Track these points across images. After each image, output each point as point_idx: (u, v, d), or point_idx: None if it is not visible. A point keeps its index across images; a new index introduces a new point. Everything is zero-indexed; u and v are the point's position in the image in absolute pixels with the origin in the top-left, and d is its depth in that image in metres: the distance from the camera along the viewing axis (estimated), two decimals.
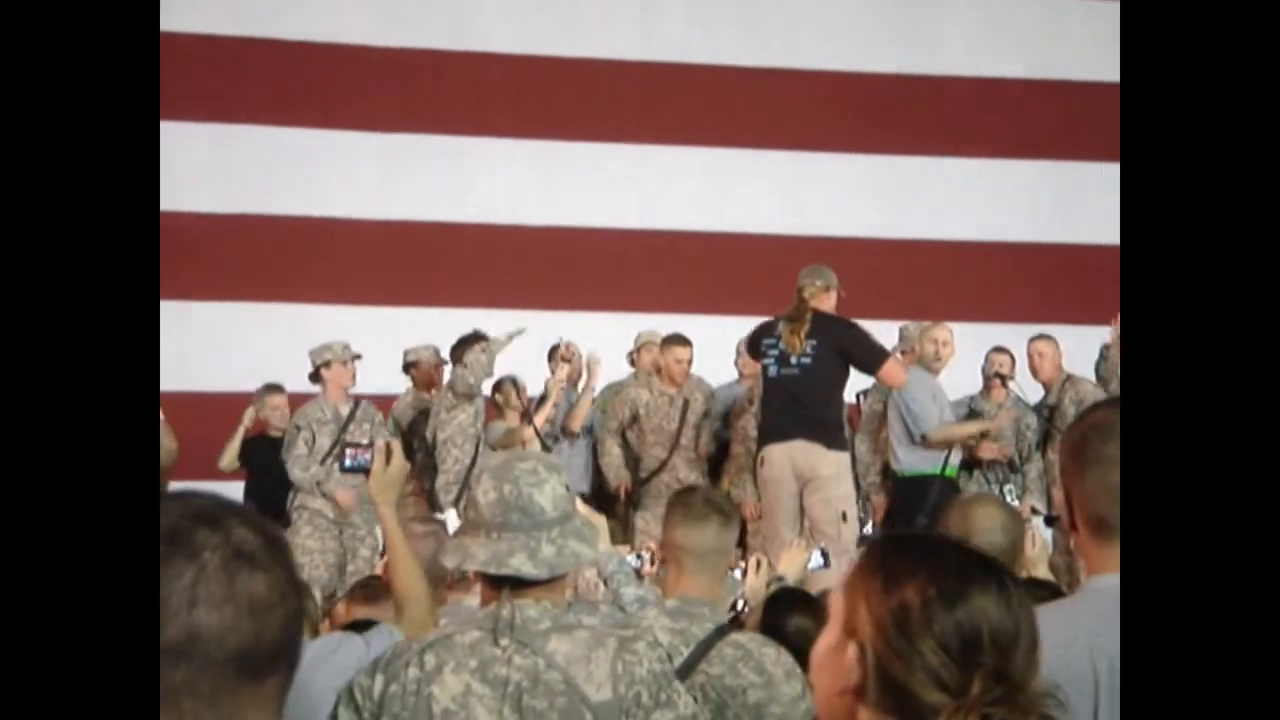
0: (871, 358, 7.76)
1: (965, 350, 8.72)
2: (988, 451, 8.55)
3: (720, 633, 3.63)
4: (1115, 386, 8.41)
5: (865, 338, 7.81)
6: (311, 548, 8.18)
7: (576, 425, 8.84)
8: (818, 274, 7.79)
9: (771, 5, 11.95)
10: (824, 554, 5.35)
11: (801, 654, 4.44)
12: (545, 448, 8.48)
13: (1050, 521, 8.76)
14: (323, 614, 5.58)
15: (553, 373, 9.06)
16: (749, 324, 8.42)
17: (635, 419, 8.83)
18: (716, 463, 9.04)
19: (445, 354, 8.92)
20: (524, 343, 9.09)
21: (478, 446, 8.42)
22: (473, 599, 3.91)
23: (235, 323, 10.48)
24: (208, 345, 9.97)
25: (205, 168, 10.58)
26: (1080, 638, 2.06)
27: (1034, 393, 9.09)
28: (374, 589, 4.77)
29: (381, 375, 9.16)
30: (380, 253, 11.03)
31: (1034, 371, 9.03)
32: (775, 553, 6.86)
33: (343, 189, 11.11)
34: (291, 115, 11.07)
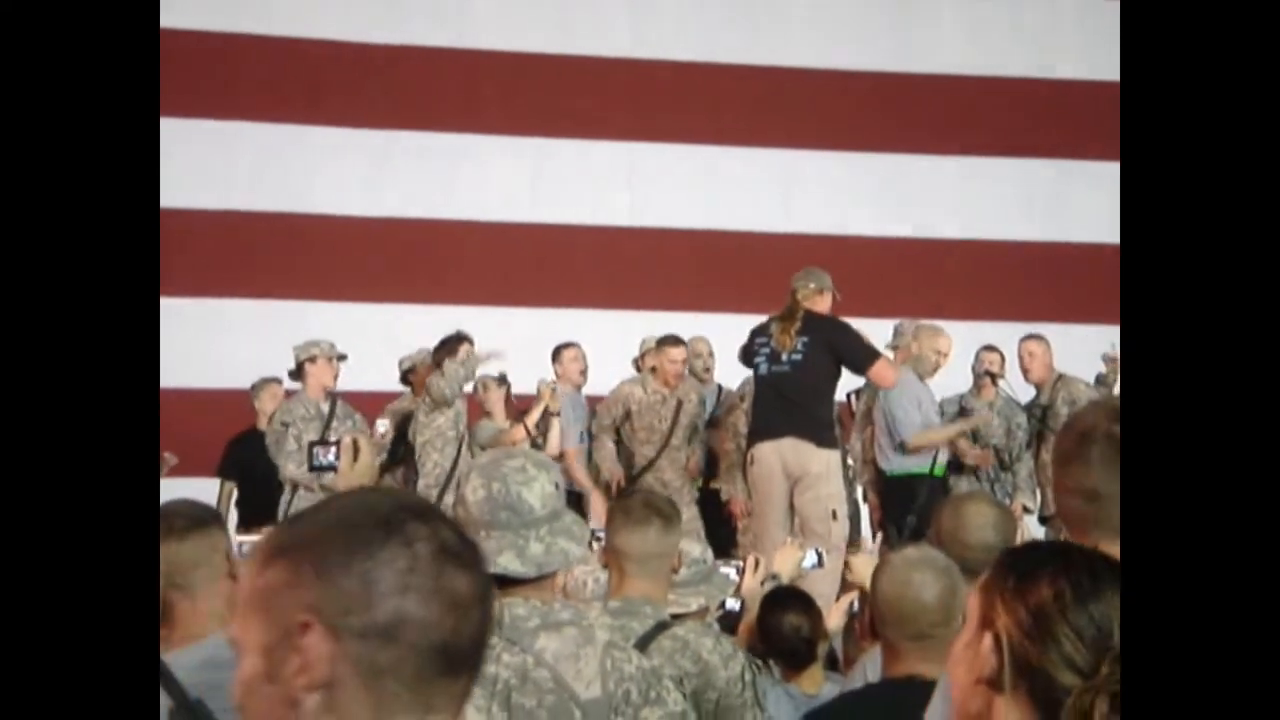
0: (861, 357, 7.77)
1: (957, 349, 8.73)
2: (970, 458, 8.54)
3: (660, 627, 3.66)
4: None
5: (856, 337, 7.82)
6: None
7: (554, 450, 8.79)
8: (811, 276, 7.81)
9: (763, 3, 11.96)
10: (818, 553, 5.35)
11: (796, 652, 4.48)
12: (536, 447, 8.47)
13: (1044, 521, 8.77)
14: None
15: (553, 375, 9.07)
16: (740, 321, 8.42)
17: (628, 416, 8.82)
18: (709, 460, 9.04)
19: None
20: (511, 342, 9.09)
21: (459, 450, 8.39)
22: None
23: (225, 319, 10.47)
24: (197, 341, 9.94)
25: (196, 164, 10.55)
26: None
27: (1025, 392, 9.09)
28: None
29: (372, 372, 9.15)
30: (371, 249, 11.01)
31: (1025, 371, 9.03)
32: (766, 551, 6.87)
33: (333, 185, 11.10)
34: (282, 111, 11.06)
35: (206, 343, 10.09)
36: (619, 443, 8.90)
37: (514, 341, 9.22)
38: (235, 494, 9.07)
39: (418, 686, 1.39)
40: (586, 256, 11.37)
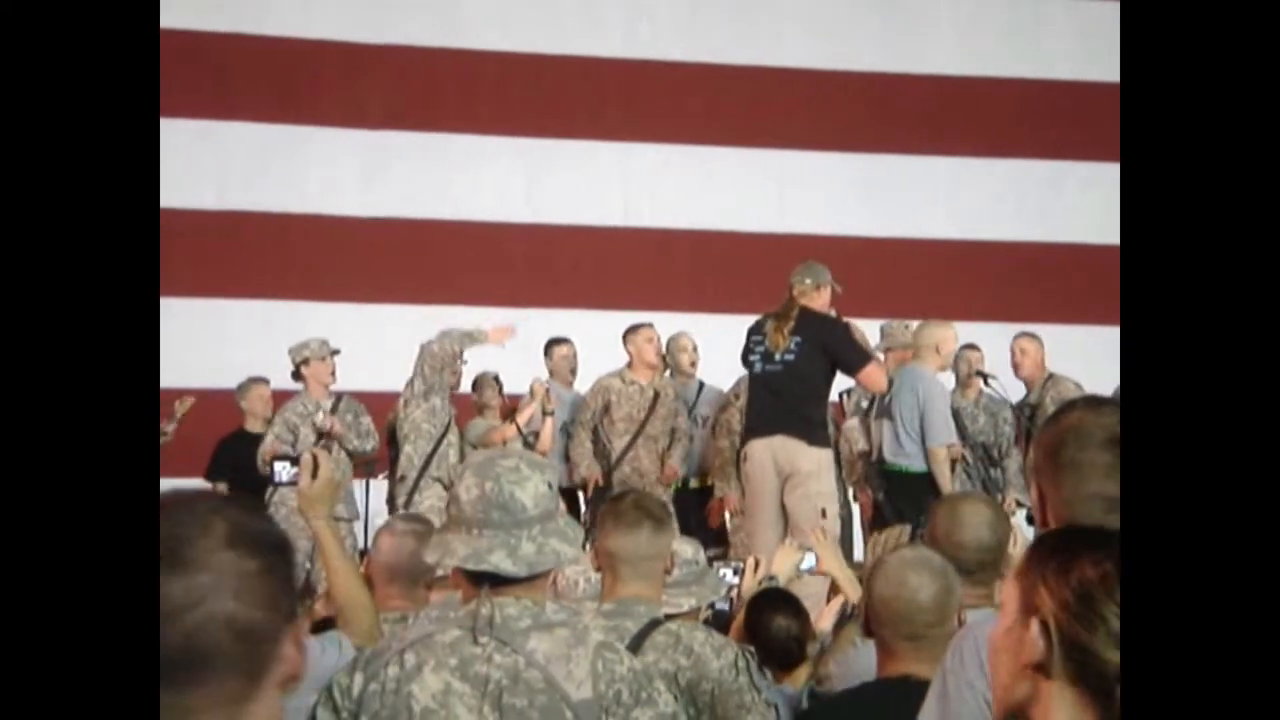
0: (853, 358, 7.73)
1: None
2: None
3: (654, 624, 3.66)
4: None
5: (850, 338, 7.80)
6: (306, 548, 8.15)
7: (545, 448, 8.79)
8: (809, 271, 7.77)
9: (757, 3, 11.97)
10: (816, 556, 5.34)
11: (786, 651, 4.48)
12: (528, 446, 8.47)
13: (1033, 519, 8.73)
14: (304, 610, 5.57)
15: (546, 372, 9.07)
16: (733, 322, 8.42)
17: (607, 409, 8.82)
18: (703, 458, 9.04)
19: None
20: (505, 342, 9.08)
21: (435, 446, 8.38)
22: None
23: (220, 319, 10.47)
24: (192, 341, 9.93)
25: (191, 164, 10.55)
26: None
27: (1015, 391, 9.08)
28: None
29: (366, 372, 9.14)
30: (366, 250, 11.02)
31: (1015, 368, 9.02)
32: (758, 549, 6.89)
33: (328, 186, 11.10)
34: (278, 112, 11.06)
35: (202, 342, 10.08)
36: (596, 440, 8.88)
37: (508, 341, 9.22)
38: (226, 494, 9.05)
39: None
40: (581, 256, 11.38)
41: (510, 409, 8.92)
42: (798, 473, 7.53)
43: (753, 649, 3.97)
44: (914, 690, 2.83)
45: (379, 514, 8.61)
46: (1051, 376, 8.95)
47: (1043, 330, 9.33)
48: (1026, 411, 8.87)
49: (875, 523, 8.28)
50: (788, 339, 7.58)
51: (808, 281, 7.71)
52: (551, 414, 8.69)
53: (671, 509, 8.27)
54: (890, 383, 8.15)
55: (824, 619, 5.02)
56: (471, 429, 8.75)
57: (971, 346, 9.05)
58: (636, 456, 8.72)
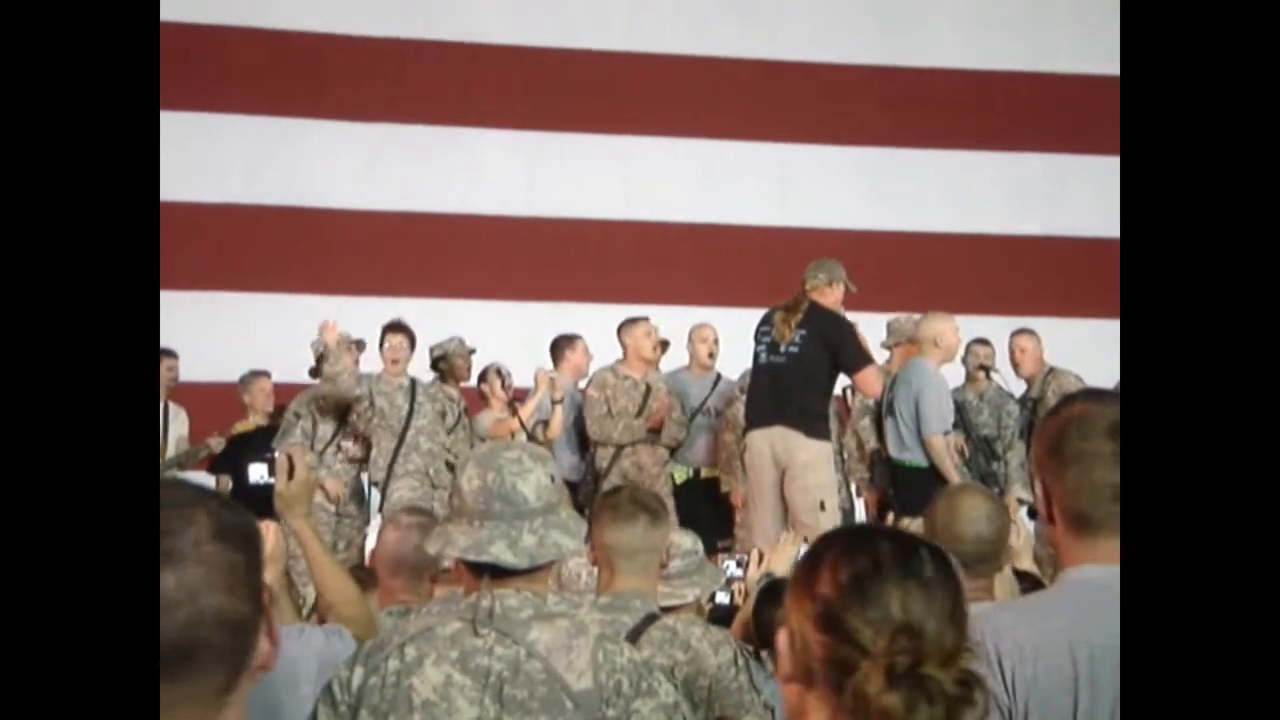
0: (852, 359, 7.73)
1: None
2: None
3: (650, 619, 3.67)
4: None
5: (852, 337, 7.80)
6: None
7: (555, 435, 8.79)
8: (822, 268, 7.78)
9: None
10: None
11: None
12: (531, 438, 8.46)
13: (1035, 513, 8.72)
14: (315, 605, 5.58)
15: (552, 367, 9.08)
16: (735, 315, 8.42)
17: (605, 404, 8.81)
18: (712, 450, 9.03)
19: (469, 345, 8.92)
20: (506, 334, 9.09)
21: (402, 436, 8.40)
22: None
23: (220, 312, 10.46)
24: (193, 334, 9.93)
25: (191, 157, 10.54)
26: (1058, 629, 2.07)
27: (1015, 388, 9.08)
28: (359, 578, 4.77)
29: (370, 365, 9.14)
30: (366, 243, 11.01)
31: (1015, 366, 9.02)
32: (758, 539, 6.91)
33: (329, 179, 11.09)
34: (278, 105, 11.05)
35: (203, 336, 10.08)
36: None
37: (509, 334, 9.24)
38: (230, 488, 9.06)
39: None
40: (582, 250, 11.37)
41: (512, 401, 8.92)
42: (794, 464, 7.53)
43: (751, 647, 3.97)
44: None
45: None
46: (1052, 370, 8.95)
47: (1045, 323, 9.32)
48: (1029, 406, 8.87)
49: (880, 520, 8.26)
50: (794, 331, 7.59)
51: (820, 276, 7.73)
52: (560, 402, 8.68)
53: (670, 503, 8.34)
54: (895, 380, 8.18)
55: None
56: (479, 421, 8.74)
57: (981, 341, 9.04)
58: (635, 451, 8.70)
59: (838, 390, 8.84)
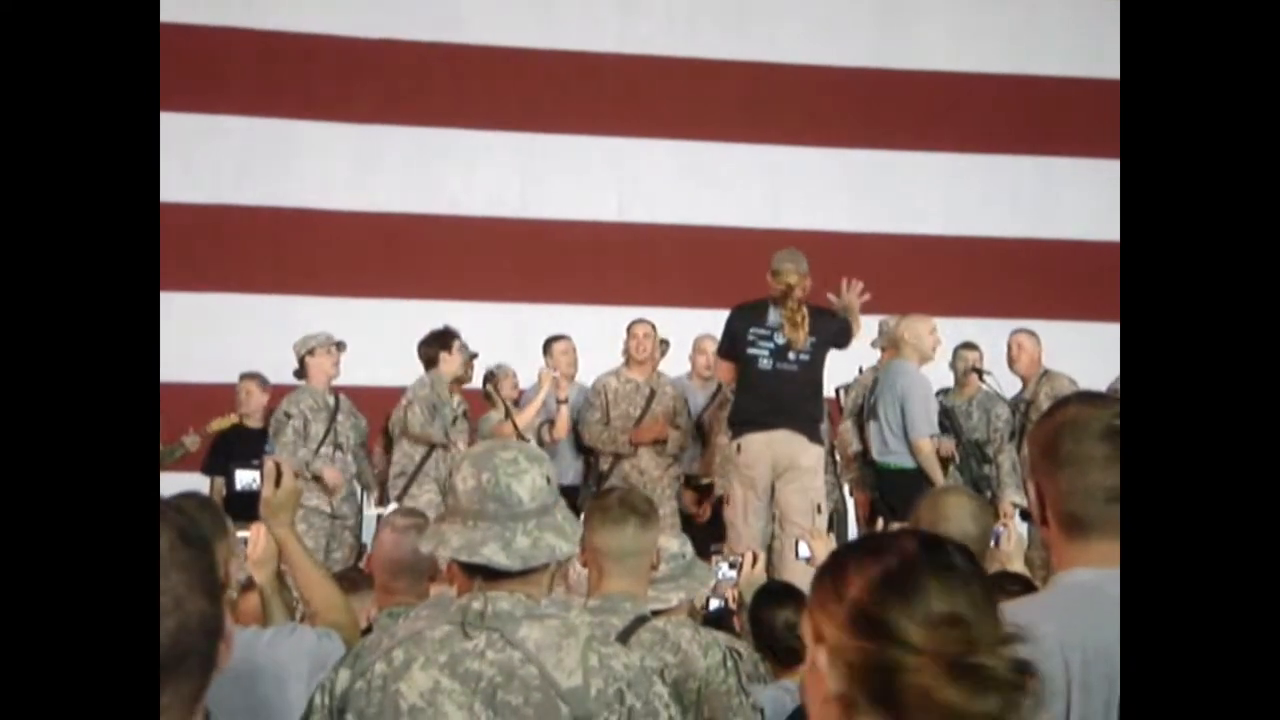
0: (847, 343, 7.88)
1: (946, 346, 8.71)
2: (941, 450, 8.41)
3: (639, 620, 3.67)
4: None
5: (848, 329, 7.88)
6: (310, 547, 8.12)
7: (562, 435, 8.79)
8: (797, 259, 7.73)
9: (752, 0, 11.96)
10: (811, 548, 5.27)
11: (790, 648, 4.47)
12: (540, 441, 8.48)
13: (1028, 516, 8.74)
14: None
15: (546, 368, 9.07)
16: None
17: (605, 409, 8.81)
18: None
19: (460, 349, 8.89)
20: (500, 336, 9.08)
21: (431, 447, 8.40)
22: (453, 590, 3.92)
23: (213, 313, 10.45)
24: (185, 336, 9.91)
25: (183, 158, 10.52)
26: (1051, 632, 2.06)
27: (1011, 386, 9.08)
28: (353, 579, 4.77)
29: (360, 367, 9.13)
30: (359, 245, 11.00)
31: (1011, 363, 9.02)
32: (749, 541, 6.94)
33: (321, 180, 11.08)
34: (271, 106, 11.03)
35: (195, 337, 10.06)
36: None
37: (501, 337, 9.23)
38: (225, 490, 9.04)
39: None
40: (574, 252, 11.37)
41: (508, 405, 8.92)
42: (796, 467, 7.53)
43: (740, 649, 3.97)
44: None
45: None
46: (1046, 372, 8.96)
47: (1038, 326, 9.33)
48: (1021, 407, 8.87)
49: (870, 521, 8.27)
50: (806, 338, 7.59)
51: (804, 269, 7.68)
52: (565, 401, 8.67)
53: (672, 506, 8.35)
54: (876, 381, 8.21)
55: None
56: (484, 423, 8.73)
57: (969, 345, 9.05)
58: (638, 455, 8.71)
59: (829, 392, 8.86)
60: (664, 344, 9.27)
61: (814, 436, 7.63)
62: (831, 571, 1.69)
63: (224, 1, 11.11)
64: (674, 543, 4.20)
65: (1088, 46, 11.30)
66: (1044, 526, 2.26)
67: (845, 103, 11.84)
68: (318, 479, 8.25)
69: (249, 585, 4.17)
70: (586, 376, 9.29)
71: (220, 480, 8.69)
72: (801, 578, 5.40)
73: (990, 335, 9.24)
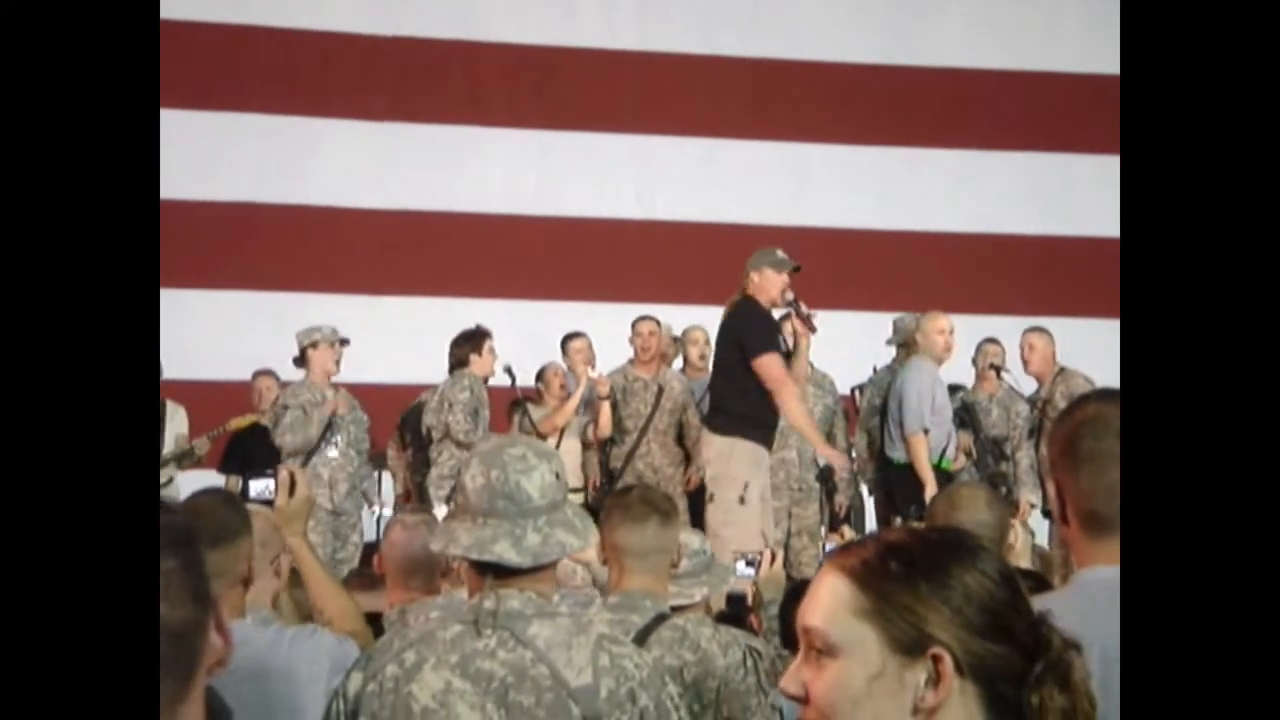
0: (750, 346, 7.59)
1: (960, 343, 8.68)
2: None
3: (660, 619, 3.66)
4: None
5: (755, 324, 7.68)
6: (314, 542, 8.12)
7: (605, 433, 8.79)
8: (750, 260, 7.66)
9: None
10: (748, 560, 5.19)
11: None
12: (542, 436, 8.48)
13: (1048, 514, 8.73)
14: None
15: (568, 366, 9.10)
16: None
17: (614, 407, 8.82)
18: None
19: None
20: (519, 333, 9.09)
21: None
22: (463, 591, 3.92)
23: (229, 311, 10.48)
24: (201, 333, 9.95)
25: (199, 156, 10.56)
26: (1069, 629, 2.05)
27: (1026, 386, 9.06)
28: (370, 577, 4.77)
29: (376, 364, 9.15)
30: (376, 242, 11.03)
31: (1025, 363, 9.00)
32: (753, 538, 6.93)
33: (338, 178, 11.11)
34: (287, 104, 11.06)
35: (213, 335, 10.10)
36: (609, 438, 8.87)
37: (520, 334, 9.24)
38: (239, 496, 9.05)
39: None
40: (592, 249, 11.38)
41: (519, 400, 8.93)
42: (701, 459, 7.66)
43: (759, 648, 3.96)
44: None
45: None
46: (1062, 371, 8.92)
47: (1054, 324, 9.30)
48: (1038, 406, 8.85)
49: (888, 518, 8.29)
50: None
51: (749, 270, 7.64)
52: (607, 398, 8.66)
53: (683, 504, 8.34)
54: (894, 379, 8.24)
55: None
56: (527, 420, 8.73)
57: (991, 340, 9.04)
58: (650, 452, 8.70)
59: (844, 389, 8.86)
60: (676, 340, 9.26)
61: (713, 427, 7.65)
62: (921, 571, 1.58)
63: (243, 0, 11.15)
64: (695, 539, 4.21)
65: (1102, 43, 11.26)
66: (1064, 525, 2.25)
67: (862, 100, 11.83)
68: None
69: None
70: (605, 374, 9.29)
71: (236, 478, 8.69)
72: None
73: (1007, 332, 9.22)
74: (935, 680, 1.54)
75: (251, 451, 8.74)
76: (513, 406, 8.96)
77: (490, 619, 2.62)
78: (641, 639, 3.52)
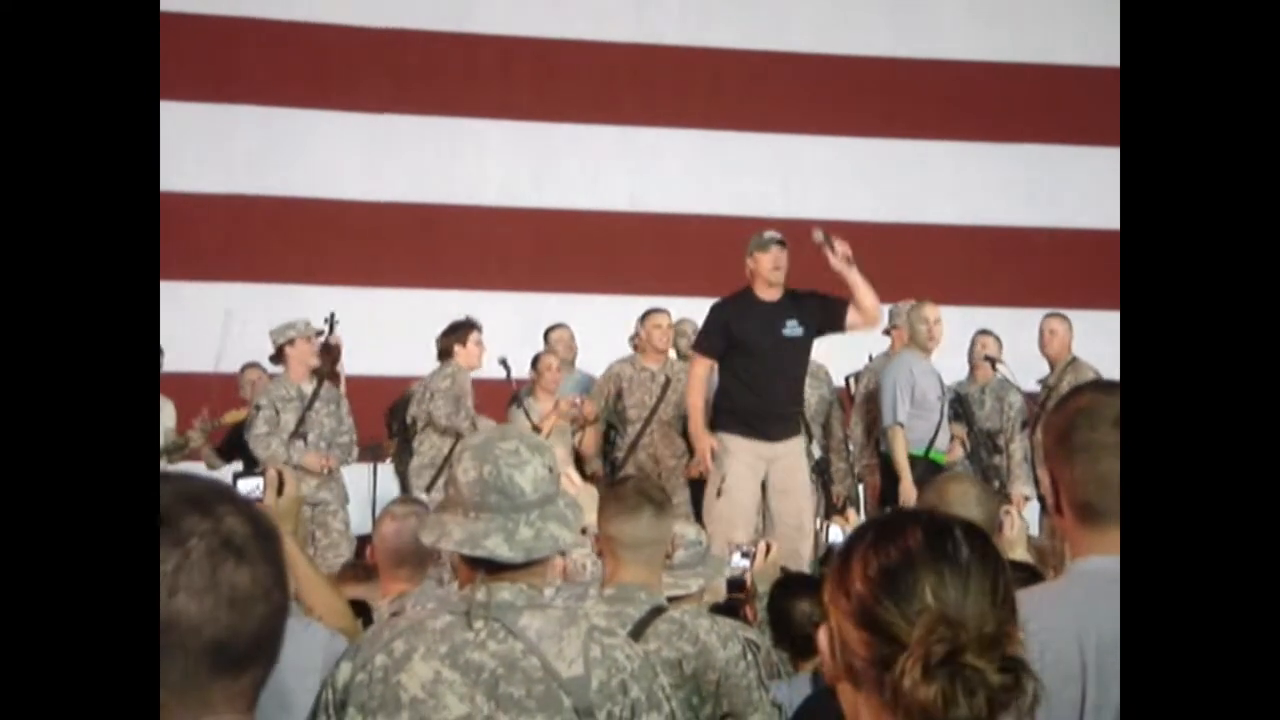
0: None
1: (954, 334, 8.69)
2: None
3: (656, 611, 3.65)
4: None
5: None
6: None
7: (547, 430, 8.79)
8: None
9: None
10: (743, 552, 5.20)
11: (808, 638, 4.46)
12: (535, 429, 8.47)
13: (1044, 503, 8.74)
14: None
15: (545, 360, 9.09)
16: None
17: (619, 396, 8.83)
18: None
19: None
20: (513, 325, 9.08)
21: (458, 438, 8.40)
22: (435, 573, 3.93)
23: (226, 303, 10.45)
24: (197, 325, 9.93)
25: (196, 147, 10.53)
26: (1066, 620, 2.06)
27: (1025, 373, 9.05)
28: (363, 569, 4.77)
29: (370, 356, 9.14)
30: (371, 234, 11.01)
31: (1043, 346, 8.99)
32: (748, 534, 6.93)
33: (334, 170, 11.09)
34: (283, 96, 11.04)
35: (207, 328, 10.08)
36: (611, 426, 8.88)
37: (514, 325, 9.23)
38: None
39: (187, 690, 1.35)
40: (586, 241, 11.36)
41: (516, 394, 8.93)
42: None
43: (757, 640, 3.95)
44: None
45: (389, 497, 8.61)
46: (1074, 360, 8.91)
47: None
48: (1044, 393, 8.86)
49: (881, 507, 8.33)
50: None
51: None
52: (594, 422, 8.72)
53: (685, 494, 8.34)
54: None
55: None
56: (530, 413, 8.71)
57: (985, 332, 9.04)
58: (652, 443, 8.71)
59: (839, 381, 8.88)
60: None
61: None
62: (842, 557, 1.67)
63: None
64: (691, 530, 4.21)
65: (1100, 34, 11.25)
66: (1058, 515, 2.25)
67: (858, 91, 11.82)
68: (299, 468, 8.22)
69: None
70: (597, 365, 9.28)
71: (237, 468, 8.66)
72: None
73: (1003, 324, 9.22)
74: None
75: (244, 445, 8.74)
76: (512, 400, 8.95)
77: (481, 610, 2.61)
78: (638, 632, 3.51)
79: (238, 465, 8.35)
